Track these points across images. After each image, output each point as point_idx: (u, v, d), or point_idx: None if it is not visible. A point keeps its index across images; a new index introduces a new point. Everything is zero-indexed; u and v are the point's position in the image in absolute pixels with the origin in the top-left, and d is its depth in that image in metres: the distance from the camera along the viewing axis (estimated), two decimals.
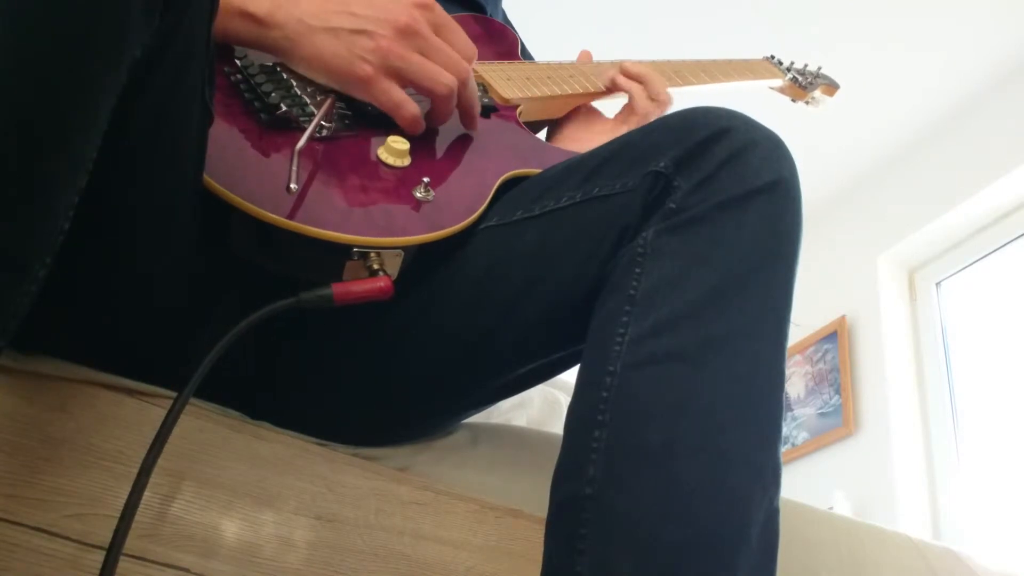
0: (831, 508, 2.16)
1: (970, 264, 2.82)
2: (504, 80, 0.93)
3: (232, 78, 0.71)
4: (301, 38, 0.70)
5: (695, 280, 0.61)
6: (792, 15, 2.64)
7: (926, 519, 2.50)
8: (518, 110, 0.91)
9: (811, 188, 3.46)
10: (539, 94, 0.95)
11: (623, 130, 0.95)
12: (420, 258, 0.68)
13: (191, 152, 0.58)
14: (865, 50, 2.71)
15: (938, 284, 2.91)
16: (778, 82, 1.33)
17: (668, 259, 0.63)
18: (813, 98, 1.36)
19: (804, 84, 1.35)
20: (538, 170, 0.80)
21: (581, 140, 0.98)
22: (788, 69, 1.35)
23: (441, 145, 0.79)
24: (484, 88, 0.91)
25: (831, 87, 1.38)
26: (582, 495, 0.57)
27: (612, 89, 1.04)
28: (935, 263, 2.93)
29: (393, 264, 0.65)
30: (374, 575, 0.66)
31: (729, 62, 1.23)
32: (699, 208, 0.64)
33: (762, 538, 0.57)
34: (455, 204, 0.72)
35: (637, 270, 0.63)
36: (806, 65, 1.39)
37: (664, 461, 0.56)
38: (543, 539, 0.60)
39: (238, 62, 0.72)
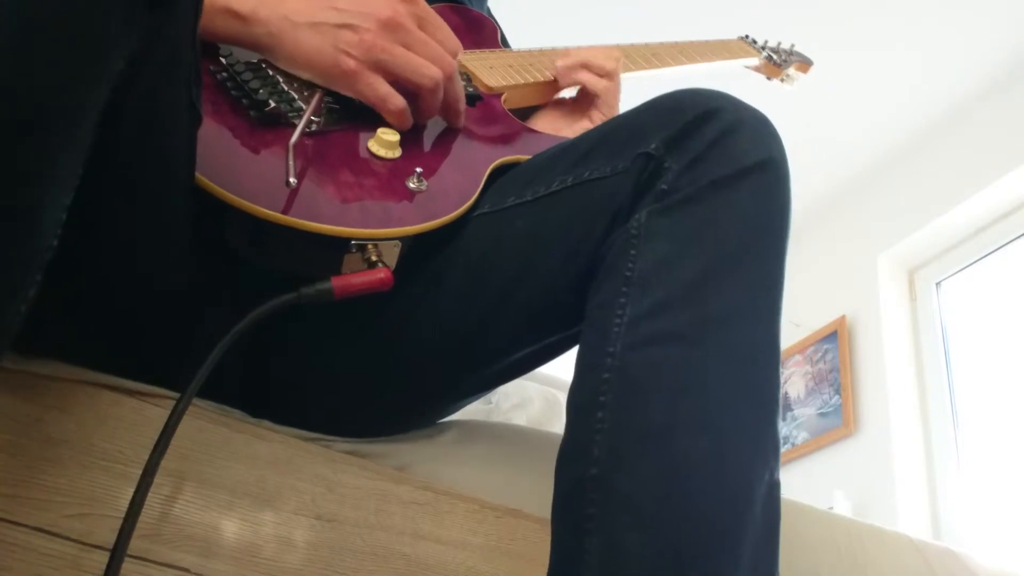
0: (831, 508, 2.16)
1: (970, 264, 2.82)
2: (487, 69, 0.94)
3: (218, 76, 0.71)
4: (284, 34, 0.70)
5: (689, 260, 0.62)
6: (793, 16, 2.64)
7: (926, 519, 2.50)
8: (503, 98, 0.92)
9: (811, 188, 3.46)
10: (522, 81, 0.96)
11: (587, 118, 0.97)
12: (415, 248, 0.68)
13: (181, 153, 0.58)
14: (865, 50, 2.71)
15: (938, 284, 2.91)
16: (754, 61, 1.33)
17: (662, 240, 0.63)
18: (788, 75, 1.37)
19: (779, 62, 1.35)
20: (527, 156, 0.80)
21: (559, 128, 0.98)
22: (763, 48, 1.35)
23: (430, 135, 0.79)
24: (468, 77, 0.91)
25: (805, 63, 1.39)
26: (587, 476, 0.57)
27: (565, 83, 1.03)
28: (935, 263, 2.93)
29: (391, 255, 0.65)
30: (374, 575, 0.66)
31: (706, 43, 1.24)
32: (690, 189, 0.64)
33: (764, 512, 0.58)
34: (448, 193, 0.72)
35: (632, 252, 0.64)
36: (780, 43, 1.40)
37: (666, 440, 0.56)
38: (544, 534, 0.60)
39: (223, 60, 0.71)
